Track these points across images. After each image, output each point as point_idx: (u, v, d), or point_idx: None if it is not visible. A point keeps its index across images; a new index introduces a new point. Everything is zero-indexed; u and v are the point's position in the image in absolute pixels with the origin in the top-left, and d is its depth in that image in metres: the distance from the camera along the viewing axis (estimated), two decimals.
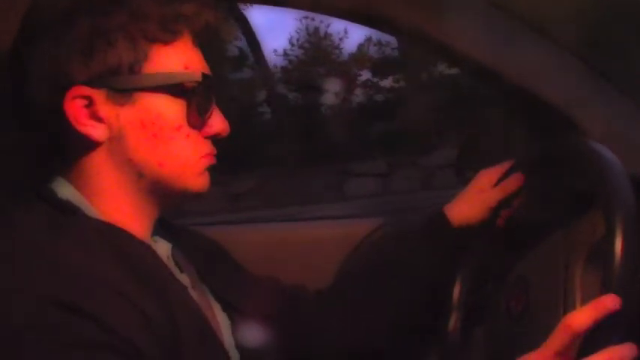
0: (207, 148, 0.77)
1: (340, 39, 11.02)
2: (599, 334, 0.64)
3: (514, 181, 0.97)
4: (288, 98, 10.59)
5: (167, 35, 0.73)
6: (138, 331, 0.64)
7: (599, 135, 0.94)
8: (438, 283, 1.00)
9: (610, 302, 0.65)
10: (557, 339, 0.65)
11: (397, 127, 9.51)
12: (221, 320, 0.85)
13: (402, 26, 0.96)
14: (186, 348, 0.69)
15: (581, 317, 0.65)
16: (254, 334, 0.88)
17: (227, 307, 0.88)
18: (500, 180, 0.99)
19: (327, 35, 11.08)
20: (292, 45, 10.99)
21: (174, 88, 0.73)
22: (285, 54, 10.94)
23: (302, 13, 11.20)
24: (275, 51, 11.01)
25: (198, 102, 0.75)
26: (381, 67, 10.77)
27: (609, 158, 0.77)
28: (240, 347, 0.86)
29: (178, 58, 0.74)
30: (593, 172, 0.78)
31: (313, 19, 11.00)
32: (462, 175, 1.10)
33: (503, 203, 0.98)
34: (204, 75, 0.74)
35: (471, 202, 1.00)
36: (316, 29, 11.03)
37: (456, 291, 0.99)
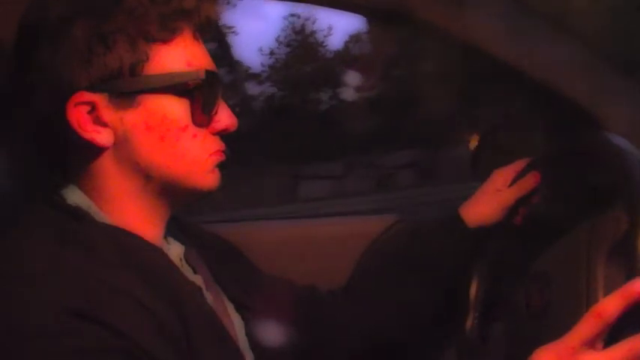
0: (215, 144, 0.76)
1: (325, 36, 11.02)
2: (624, 323, 0.62)
3: (531, 180, 0.97)
4: (274, 98, 10.56)
5: (167, 34, 0.71)
6: (150, 335, 0.64)
7: (620, 129, 0.93)
8: (454, 282, 1.00)
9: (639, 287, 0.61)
10: (585, 327, 0.62)
11: (360, 128, 9.41)
12: (235, 321, 0.85)
13: (421, 22, 0.95)
14: (200, 350, 0.69)
15: (611, 304, 0.61)
16: (268, 335, 0.88)
17: (240, 308, 0.87)
18: (516, 179, 0.99)
19: (312, 33, 11.07)
20: (279, 43, 10.97)
21: (178, 88, 0.72)
22: (272, 52, 10.91)
23: (288, 10, 11.19)
24: (261, 50, 10.99)
25: (204, 100, 0.73)
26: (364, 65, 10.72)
27: (631, 152, 0.77)
28: (254, 348, 0.85)
29: (180, 56, 0.72)
30: (615, 166, 0.77)
31: (299, 17, 11.00)
32: (478, 172, 1.09)
33: (520, 201, 0.98)
34: (207, 72, 0.73)
35: (488, 203, 0.99)
36: (302, 27, 11.02)
37: (473, 289, 0.99)
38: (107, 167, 0.72)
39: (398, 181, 8.14)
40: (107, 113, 0.70)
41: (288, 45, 11.01)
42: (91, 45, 0.68)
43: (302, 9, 10.94)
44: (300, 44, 11.02)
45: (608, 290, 0.75)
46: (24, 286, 0.62)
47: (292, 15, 10.97)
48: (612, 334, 0.63)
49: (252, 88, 10.56)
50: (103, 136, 0.70)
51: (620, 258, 0.74)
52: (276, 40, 10.96)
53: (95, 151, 0.72)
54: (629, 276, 0.67)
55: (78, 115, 0.69)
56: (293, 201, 7.93)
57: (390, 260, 1.07)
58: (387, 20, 0.99)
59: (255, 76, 10.62)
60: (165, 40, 0.71)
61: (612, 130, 0.95)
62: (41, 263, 0.64)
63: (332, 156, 8.63)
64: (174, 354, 0.65)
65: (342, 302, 1.03)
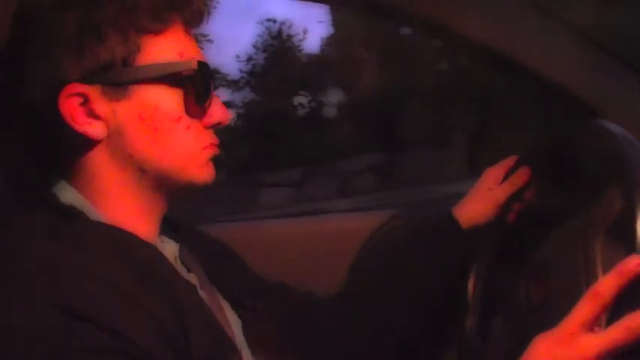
0: (209, 138, 0.76)
1: (300, 40, 11.01)
2: (622, 303, 0.61)
3: (522, 176, 0.98)
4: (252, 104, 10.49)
5: (158, 25, 0.71)
6: (147, 334, 0.63)
7: (619, 121, 0.94)
8: (451, 283, 1.00)
9: (634, 264, 0.61)
10: (583, 310, 0.61)
11: (318, 133, 9.36)
12: (231, 319, 0.84)
13: (415, 16, 0.95)
14: (197, 348, 0.68)
15: (607, 283, 0.61)
16: (265, 336, 0.87)
17: (236, 306, 0.87)
18: (507, 175, 1.00)
19: (289, 37, 11.06)
20: (257, 49, 10.92)
21: (171, 79, 0.71)
22: (250, 58, 10.85)
23: (263, 15, 11.18)
24: (238, 57, 10.93)
25: (197, 91, 0.73)
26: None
27: (625, 136, 0.78)
28: (251, 346, 0.85)
29: (172, 47, 0.72)
30: (610, 150, 0.77)
31: (275, 22, 10.99)
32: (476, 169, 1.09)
33: (513, 198, 0.98)
34: (200, 63, 0.73)
35: (480, 201, 1.00)
36: (279, 32, 11.00)
37: (471, 288, 0.99)
38: (100, 161, 0.71)
39: (359, 185, 8.15)
40: (100, 105, 0.69)
41: (265, 50, 10.98)
42: (82, 37, 0.68)
43: (278, 13, 10.93)
44: (277, 49, 10.99)
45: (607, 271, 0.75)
46: (21, 288, 0.61)
47: (268, 19, 10.96)
48: (612, 318, 0.61)
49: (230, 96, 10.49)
50: (95, 129, 0.70)
51: (616, 240, 0.73)
52: (254, 45, 10.93)
53: (88, 144, 0.71)
54: (629, 253, 0.66)
55: (70, 107, 0.68)
56: (254, 210, 7.92)
57: (386, 263, 1.07)
58: (382, 16, 0.98)
59: (234, 83, 10.57)
60: (156, 32, 0.71)
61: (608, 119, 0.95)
62: (37, 264, 0.63)
63: (292, 163, 8.59)
64: (172, 353, 0.64)
65: (339, 307, 1.02)
